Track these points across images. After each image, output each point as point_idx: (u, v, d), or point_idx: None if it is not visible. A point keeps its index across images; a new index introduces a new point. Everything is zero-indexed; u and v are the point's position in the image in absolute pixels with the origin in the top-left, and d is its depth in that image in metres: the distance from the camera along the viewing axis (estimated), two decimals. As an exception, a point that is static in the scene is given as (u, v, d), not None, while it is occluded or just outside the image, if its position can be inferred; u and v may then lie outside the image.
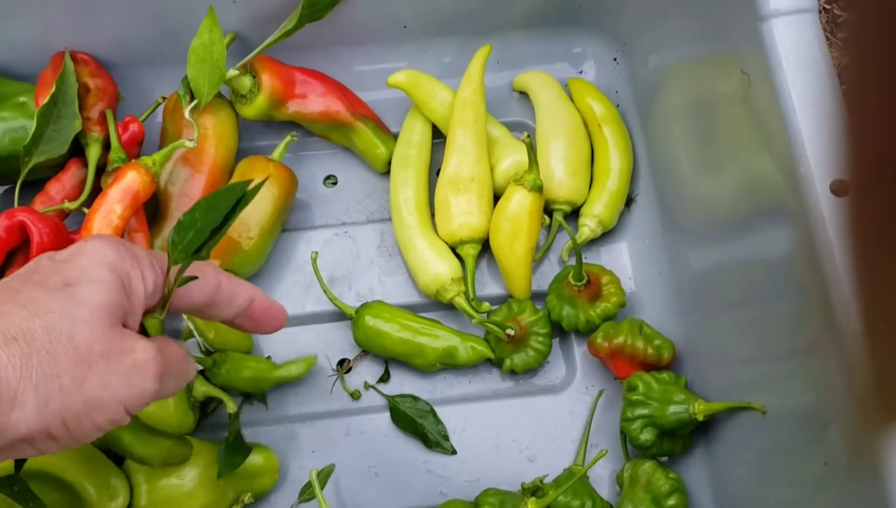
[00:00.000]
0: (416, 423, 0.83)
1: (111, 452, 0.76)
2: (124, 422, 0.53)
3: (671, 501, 0.75)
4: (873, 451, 0.55)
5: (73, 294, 0.52)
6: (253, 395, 0.85)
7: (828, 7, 1.06)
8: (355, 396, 0.85)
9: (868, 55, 0.34)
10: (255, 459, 0.79)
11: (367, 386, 0.85)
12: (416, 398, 0.84)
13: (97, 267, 0.54)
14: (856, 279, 0.38)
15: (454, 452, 0.83)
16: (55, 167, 0.87)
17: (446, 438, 0.83)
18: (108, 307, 0.53)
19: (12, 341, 0.49)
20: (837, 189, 0.58)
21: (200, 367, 0.82)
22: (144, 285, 0.57)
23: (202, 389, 0.80)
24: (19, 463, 0.67)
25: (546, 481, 0.79)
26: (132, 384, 0.52)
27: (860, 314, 0.38)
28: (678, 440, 0.79)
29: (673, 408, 0.76)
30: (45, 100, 0.83)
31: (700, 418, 0.75)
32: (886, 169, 0.35)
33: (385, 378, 0.86)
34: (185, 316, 0.83)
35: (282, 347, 0.86)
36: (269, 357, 0.85)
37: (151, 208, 0.86)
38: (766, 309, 0.72)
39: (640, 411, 0.77)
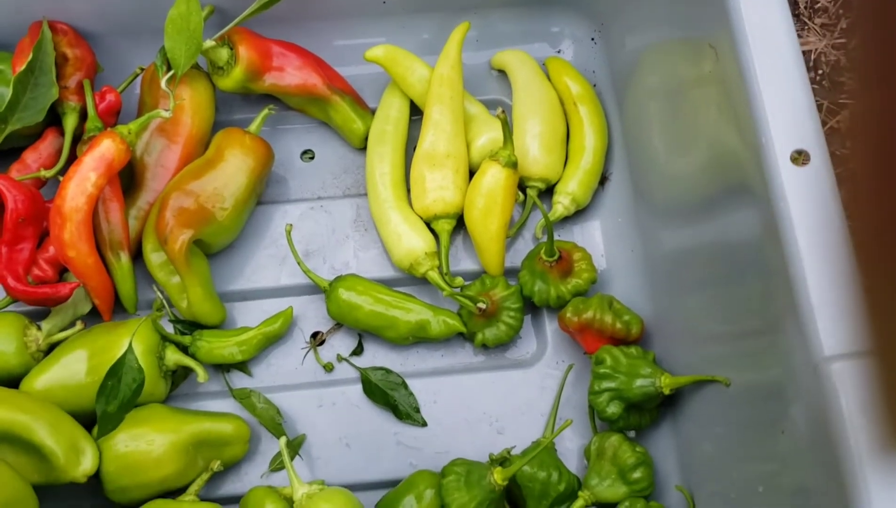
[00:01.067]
0: (388, 395, 0.84)
1: (80, 416, 0.77)
2: None
3: (637, 474, 0.76)
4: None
5: None
6: (234, 365, 0.85)
7: (806, -7, 1.06)
8: (328, 368, 0.86)
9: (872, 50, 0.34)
10: (225, 427, 0.80)
11: (339, 359, 0.86)
12: (388, 371, 0.85)
13: None
14: (860, 286, 0.38)
15: (425, 424, 0.84)
16: (32, 136, 0.87)
17: (417, 410, 0.84)
18: None
19: None
20: (798, 159, 0.59)
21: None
22: None
23: (173, 358, 0.81)
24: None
25: (514, 452, 0.80)
26: None
27: (867, 323, 0.39)
28: (645, 414, 0.79)
29: (639, 381, 0.76)
30: (22, 67, 0.83)
31: (666, 391, 0.76)
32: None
33: (358, 351, 0.87)
34: (155, 288, 0.84)
35: (255, 319, 0.86)
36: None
37: (127, 179, 0.86)
38: (733, 288, 0.73)
39: (607, 384, 0.77)
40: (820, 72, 1.02)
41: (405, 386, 0.84)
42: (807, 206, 0.57)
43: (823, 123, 0.96)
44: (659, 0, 0.82)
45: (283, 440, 0.79)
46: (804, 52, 1.05)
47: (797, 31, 1.05)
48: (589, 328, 0.81)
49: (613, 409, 0.77)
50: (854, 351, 0.54)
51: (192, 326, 0.85)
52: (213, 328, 0.85)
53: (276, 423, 0.82)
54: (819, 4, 1.05)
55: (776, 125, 0.59)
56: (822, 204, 0.56)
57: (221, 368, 0.85)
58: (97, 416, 0.74)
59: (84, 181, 0.79)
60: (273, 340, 0.86)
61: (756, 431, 0.71)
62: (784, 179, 0.58)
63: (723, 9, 0.65)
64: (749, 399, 0.71)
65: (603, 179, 0.91)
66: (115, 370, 0.75)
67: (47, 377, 0.78)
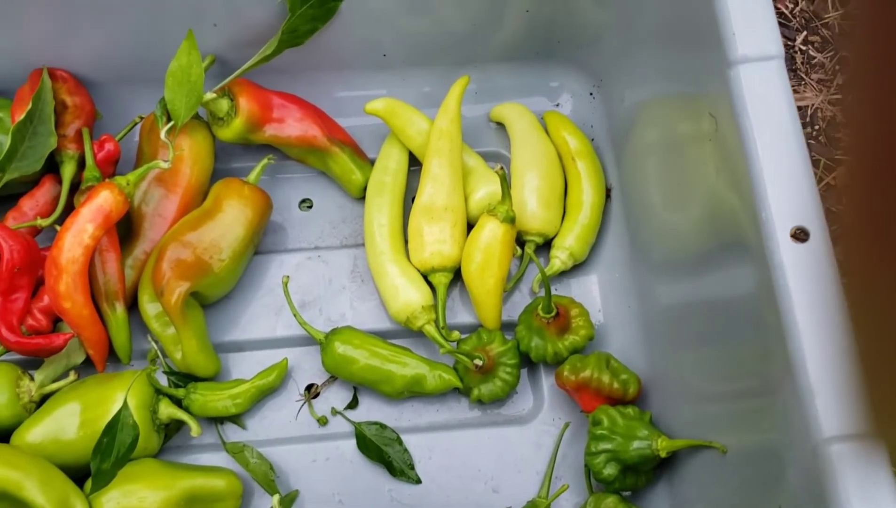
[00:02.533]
0: (382, 451, 0.83)
1: (71, 471, 0.76)
2: None
3: (632, 536, 0.76)
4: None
5: None
6: (227, 418, 0.84)
7: (803, 48, 1.07)
8: (322, 422, 0.85)
9: (863, 98, 0.35)
10: (217, 483, 0.79)
11: (333, 412, 0.85)
12: (383, 426, 0.84)
13: None
14: (850, 316, 0.38)
15: (419, 481, 0.83)
16: (29, 183, 0.87)
17: (412, 467, 0.83)
18: None
19: None
20: (797, 236, 0.59)
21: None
22: None
23: (167, 411, 0.80)
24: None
25: (509, 513, 0.79)
26: None
27: (857, 349, 0.39)
28: (641, 476, 0.79)
29: (636, 444, 0.76)
30: (21, 116, 0.83)
31: (663, 455, 0.76)
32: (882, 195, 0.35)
33: (353, 405, 0.86)
34: (149, 338, 0.83)
35: (250, 370, 0.86)
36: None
37: (124, 228, 0.86)
38: (731, 347, 0.73)
39: (604, 445, 0.77)
40: (816, 127, 1.03)
41: (399, 442, 0.84)
42: (806, 283, 0.57)
43: (819, 180, 0.97)
44: (658, 58, 0.82)
45: (275, 497, 0.78)
46: (800, 108, 1.06)
47: (794, 86, 1.06)
48: (586, 387, 0.80)
49: (610, 471, 0.77)
50: (854, 433, 0.54)
51: (186, 378, 0.84)
52: (208, 380, 0.85)
53: (269, 479, 0.81)
54: (816, 60, 1.06)
55: (776, 202, 0.59)
56: (821, 282, 0.57)
57: (215, 420, 0.85)
58: (91, 472, 0.74)
59: (81, 233, 0.79)
60: (267, 392, 0.85)
61: (751, 497, 0.70)
62: (783, 256, 0.59)
63: (723, 78, 0.65)
64: (746, 463, 0.71)
65: (607, 193, 0.91)
66: (111, 427, 0.74)
67: (39, 431, 0.78)
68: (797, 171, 0.60)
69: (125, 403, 0.75)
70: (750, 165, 0.61)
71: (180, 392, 0.82)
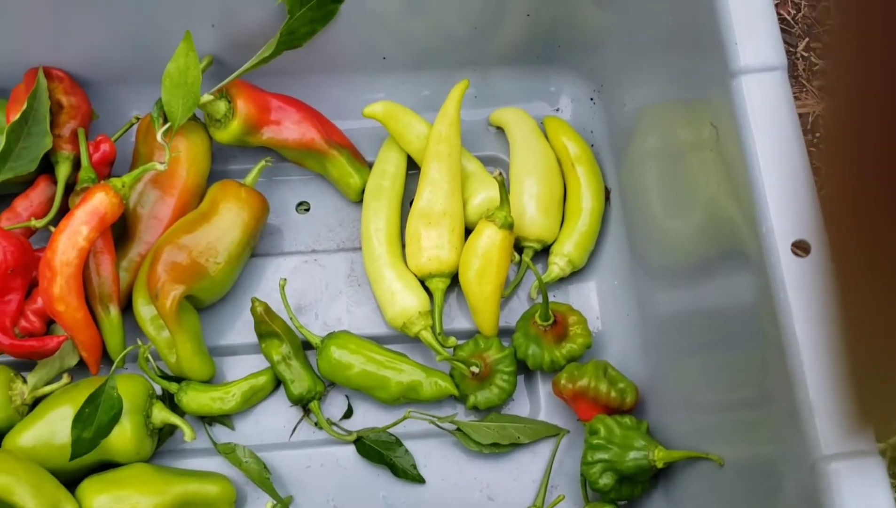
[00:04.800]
0: (383, 454, 0.83)
1: (63, 475, 0.75)
2: None
3: (628, 547, 0.75)
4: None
5: None
6: (217, 419, 0.84)
7: (805, 55, 1.07)
8: (320, 424, 0.84)
9: (847, 103, 0.35)
10: (210, 489, 0.78)
11: (329, 424, 0.84)
12: (381, 431, 0.84)
13: None
14: (830, 293, 0.39)
15: (423, 481, 0.82)
16: (24, 183, 0.86)
17: (414, 467, 0.83)
18: None
19: None
20: (798, 249, 0.58)
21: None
22: None
23: (160, 415, 0.79)
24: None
25: (504, 521, 0.79)
26: None
27: (843, 346, 0.40)
28: (637, 486, 0.79)
29: (633, 454, 0.76)
30: (16, 116, 0.82)
31: (659, 465, 0.75)
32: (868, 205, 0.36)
33: (348, 414, 0.85)
34: (139, 342, 0.82)
35: (244, 375, 0.85)
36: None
37: (119, 229, 0.85)
38: (730, 357, 0.72)
39: (600, 455, 0.76)
40: (817, 134, 1.02)
41: (400, 444, 0.83)
42: (806, 298, 0.57)
43: (820, 188, 0.96)
44: (659, 65, 0.82)
45: (269, 503, 0.78)
46: (801, 115, 1.06)
47: (795, 92, 1.06)
48: (583, 395, 0.80)
49: (606, 480, 0.76)
50: (853, 451, 0.53)
51: (179, 382, 0.83)
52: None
53: (263, 477, 0.81)
54: (818, 67, 1.05)
55: (777, 214, 0.59)
56: (821, 296, 0.56)
57: (204, 422, 0.84)
58: (71, 439, 0.74)
59: (75, 235, 0.78)
60: (260, 394, 0.84)
61: (749, 506, 0.70)
62: (784, 269, 0.58)
63: (725, 88, 0.64)
64: (742, 474, 0.71)
65: (607, 194, 0.90)
66: (94, 397, 0.74)
67: (31, 435, 0.77)
68: (798, 183, 0.59)
69: (111, 375, 0.75)
70: (751, 177, 0.61)
71: (173, 387, 0.82)
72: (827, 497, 0.54)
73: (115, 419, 0.75)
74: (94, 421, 0.74)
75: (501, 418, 0.84)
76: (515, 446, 0.83)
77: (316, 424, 0.84)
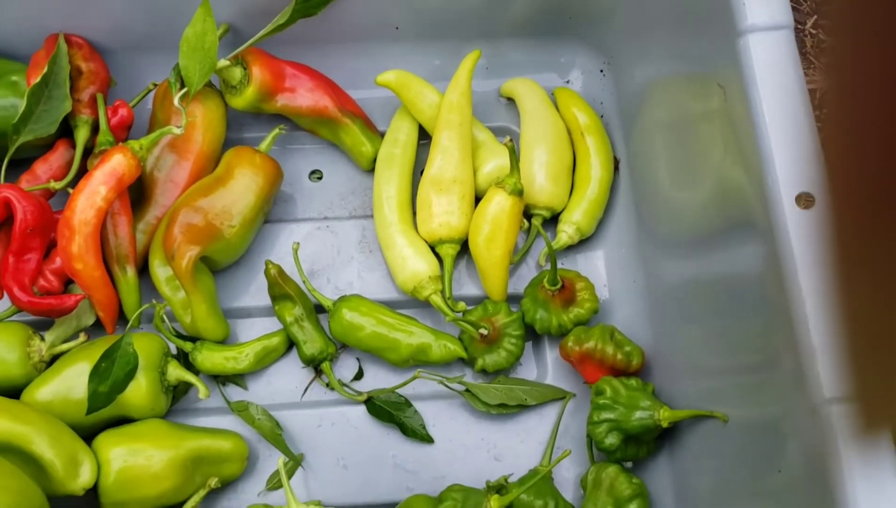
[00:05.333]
0: (393, 414, 0.84)
1: (79, 430, 0.77)
2: None
3: (633, 505, 0.76)
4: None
5: None
6: (231, 379, 0.85)
7: (813, 32, 1.07)
8: (332, 384, 0.85)
9: (847, 79, 0.36)
10: (223, 445, 0.80)
11: (340, 385, 0.85)
12: (391, 391, 0.85)
13: None
14: (831, 293, 0.40)
15: (431, 441, 0.84)
16: (43, 147, 0.88)
17: (423, 427, 0.84)
18: None
19: None
20: (803, 202, 0.59)
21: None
22: None
23: (175, 373, 0.81)
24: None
25: (511, 480, 0.80)
26: None
27: (838, 325, 0.40)
28: (642, 446, 0.80)
29: (638, 414, 0.77)
30: (36, 80, 0.84)
31: (664, 424, 0.76)
32: (861, 185, 0.36)
33: (359, 376, 0.87)
34: (154, 301, 0.84)
35: (258, 336, 0.87)
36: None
37: (136, 193, 0.87)
38: (734, 323, 0.73)
39: (606, 415, 0.78)
40: (825, 111, 1.03)
41: (409, 405, 0.85)
42: (810, 248, 0.58)
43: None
44: (668, 35, 0.83)
45: (280, 459, 0.79)
46: (810, 91, 1.07)
47: (803, 69, 1.06)
48: (590, 358, 0.81)
49: (612, 440, 0.78)
50: (853, 395, 0.54)
51: (194, 341, 0.85)
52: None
53: (275, 434, 0.82)
54: (826, 44, 1.06)
55: (782, 167, 0.60)
56: (826, 248, 0.57)
57: (218, 381, 0.86)
58: (88, 394, 0.75)
59: (94, 195, 0.80)
60: (273, 354, 0.86)
61: (752, 467, 0.71)
62: (788, 221, 0.59)
63: (732, 49, 0.66)
64: (746, 435, 0.72)
65: (616, 164, 0.91)
66: (110, 353, 0.76)
67: (48, 390, 0.79)
68: (804, 138, 0.60)
69: (127, 331, 0.77)
70: (757, 132, 0.62)
71: (188, 346, 0.83)
72: (829, 442, 0.55)
73: (130, 374, 0.76)
74: (110, 376, 0.76)
75: (509, 381, 0.85)
76: (522, 407, 0.84)
77: (327, 385, 0.86)
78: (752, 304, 0.70)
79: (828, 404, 0.55)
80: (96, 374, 0.76)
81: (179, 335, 0.85)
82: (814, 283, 0.59)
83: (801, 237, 0.59)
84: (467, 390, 0.84)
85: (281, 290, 0.84)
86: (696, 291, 0.80)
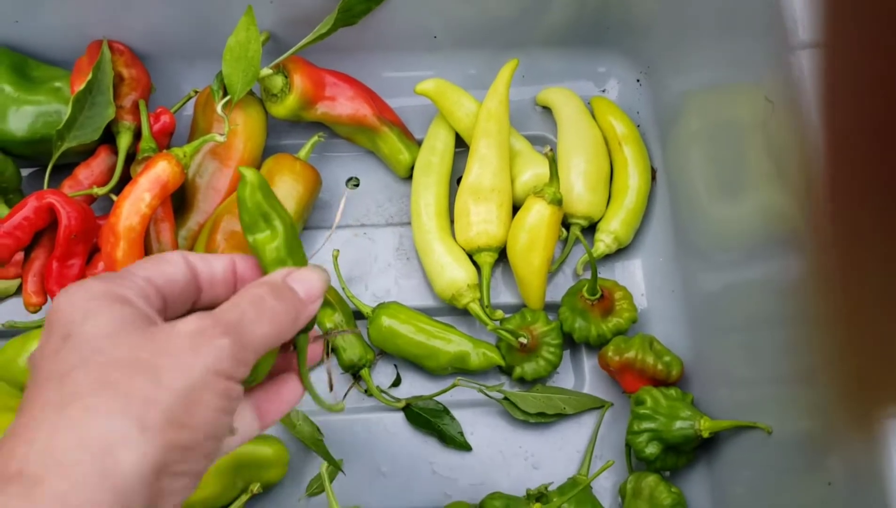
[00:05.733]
0: (432, 422, 0.85)
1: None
2: (235, 389, 0.45)
3: (672, 515, 0.77)
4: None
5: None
6: None
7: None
8: (370, 391, 0.86)
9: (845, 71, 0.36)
10: (265, 450, 0.81)
11: (378, 391, 0.86)
12: (429, 398, 0.86)
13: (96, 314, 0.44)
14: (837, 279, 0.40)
15: (469, 448, 0.84)
16: (85, 153, 0.89)
17: (462, 434, 0.85)
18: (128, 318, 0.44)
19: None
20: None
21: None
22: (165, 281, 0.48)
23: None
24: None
25: (550, 489, 0.81)
26: (198, 351, 0.43)
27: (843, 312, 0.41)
28: (682, 456, 0.80)
29: (679, 424, 0.77)
30: (80, 87, 0.84)
31: (705, 435, 0.77)
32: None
33: (397, 383, 0.87)
34: None
35: (297, 342, 0.87)
36: None
37: (177, 199, 0.88)
38: (773, 334, 0.73)
39: (646, 424, 0.78)
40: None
41: (447, 412, 0.85)
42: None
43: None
44: (710, 45, 0.83)
45: (323, 464, 0.80)
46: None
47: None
48: (630, 367, 0.82)
49: (652, 450, 0.78)
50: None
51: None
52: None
53: (316, 439, 0.83)
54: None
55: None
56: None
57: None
58: None
59: (138, 201, 0.80)
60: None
61: (791, 479, 0.71)
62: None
63: (784, 63, 0.66)
64: (786, 446, 0.72)
65: (653, 174, 0.92)
66: None
67: (94, 394, 0.79)
68: (857, 155, 0.61)
69: None
70: (806, 152, 0.62)
71: None
72: (883, 457, 0.55)
73: None
74: None
75: (547, 389, 0.85)
76: (561, 416, 0.85)
77: (366, 391, 0.87)
78: (790, 316, 0.70)
79: (879, 418, 0.56)
80: None
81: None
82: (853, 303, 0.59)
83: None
84: (506, 398, 0.84)
85: None
86: (735, 301, 0.80)
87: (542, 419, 0.84)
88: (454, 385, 0.84)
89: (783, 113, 0.67)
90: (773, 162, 0.71)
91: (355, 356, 0.85)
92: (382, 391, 0.86)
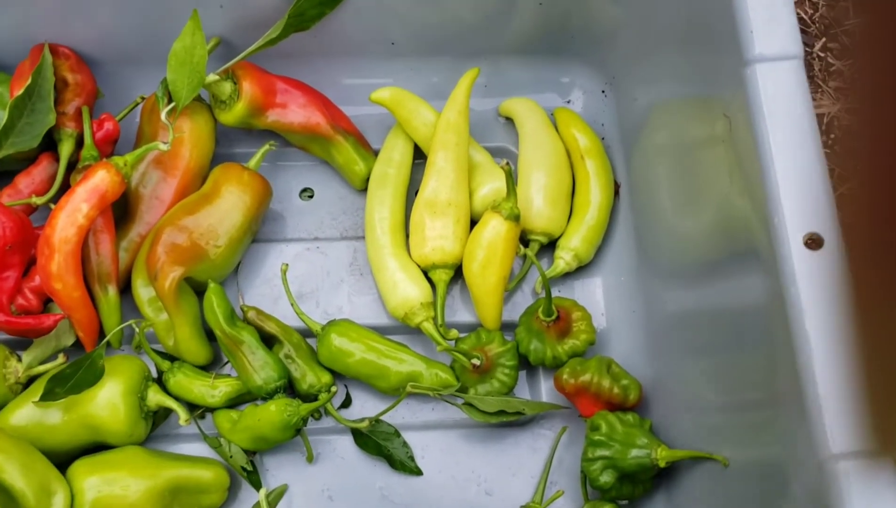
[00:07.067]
0: (381, 445, 0.81)
1: (55, 455, 0.74)
2: None
3: (627, 547, 0.74)
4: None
5: None
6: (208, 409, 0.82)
7: (822, 55, 1.05)
8: (316, 417, 0.83)
9: (864, 102, 0.35)
10: (203, 474, 0.77)
11: (329, 411, 0.82)
12: (379, 421, 0.82)
13: None
14: (846, 339, 0.38)
15: (420, 473, 0.81)
16: (26, 160, 0.86)
17: (412, 459, 0.81)
18: None
19: None
20: (810, 242, 0.57)
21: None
22: None
23: (155, 398, 0.78)
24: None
25: (501, 517, 0.77)
26: None
27: (853, 375, 0.38)
28: (639, 485, 0.77)
29: (635, 452, 0.74)
30: (19, 91, 0.81)
31: (662, 464, 0.73)
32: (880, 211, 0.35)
33: (347, 403, 0.84)
34: (135, 321, 0.80)
35: (243, 360, 0.84)
36: (215, 375, 0.82)
37: (120, 209, 0.84)
38: (737, 358, 0.70)
39: (601, 452, 0.75)
40: (832, 136, 1.00)
41: (398, 435, 0.82)
42: (818, 292, 0.55)
43: (834, 189, 0.94)
44: (672, 58, 0.80)
45: (262, 491, 0.76)
46: (817, 116, 1.04)
47: (811, 93, 1.04)
48: (585, 391, 0.78)
49: (606, 478, 0.75)
50: (862, 450, 0.52)
51: (173, 361, 0.82)
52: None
53: (244, 473, 0.80)
54: (834, 68, 1.03)
55: (790, 205, 0.57)
56: (833, 291, 0.54)
57: (195, 410, 0.82)
58: (44, 390, 0.73)
59: (75, 212, 0.77)
60: (248, 397, 0.82)
61: (752, 509, 0.68)
62: (795, 261, 0.56)
63: (739, 77, 0.63)
64: (747, 477, 0.69)
65: (616, 189, 0.89)
66: (78, 363, 0.74)
67: (23, 414, 0.76)
68: (813, 175, 0.58)
69: (101, 345, 0.75)
70: (763, 168, 0.59)
71: (165, 364, 0.80)
72: (835, 498, 0.52)
73: (91, 383, 0.74)
74: (69, 382, 0.73)
75: (503, 397, 0.82)
76: (521, 415, 0.80)
77: (317, 415, 0.83)
78: (755, 337, 0.67)
79: (835, 459, 0.52)
80: (59, 377, 0.73)
81: (159, 352, 0.82)
82: (821, 327, 0.56)
83: (808, 280, 0.56)
84: (465, 402, 0.81)
85: (263, 332, 0.82)
86: (698, 322, 0.77)
87: (504, 419, 0.80)
88: (406, 392, 0.79)
89: (741, 129, 0.64)
90: (736, 177, 0.68)
91: (308, 385, 0.81)
92: (327, 414, 0.83)
